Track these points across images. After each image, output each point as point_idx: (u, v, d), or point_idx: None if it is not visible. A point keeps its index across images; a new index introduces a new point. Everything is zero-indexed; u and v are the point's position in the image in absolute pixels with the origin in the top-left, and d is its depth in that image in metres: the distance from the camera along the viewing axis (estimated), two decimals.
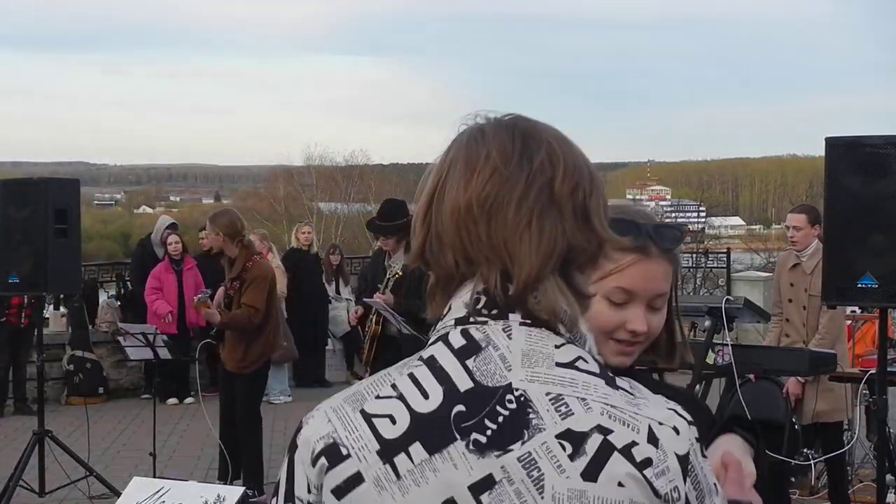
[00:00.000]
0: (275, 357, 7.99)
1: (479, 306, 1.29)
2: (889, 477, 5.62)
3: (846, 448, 7.54)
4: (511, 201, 1.28)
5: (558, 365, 1.26)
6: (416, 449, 1.25)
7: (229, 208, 8.78)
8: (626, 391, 1.27)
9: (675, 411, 1.27)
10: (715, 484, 1.29)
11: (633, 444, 1.22)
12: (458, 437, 1.24)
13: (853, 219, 5.21)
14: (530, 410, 1.23)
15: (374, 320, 7.41)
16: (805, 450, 7.35)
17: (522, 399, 1.24)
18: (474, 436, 1.23)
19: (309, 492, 1.30)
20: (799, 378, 6.37)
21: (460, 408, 1.25)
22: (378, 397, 1.30)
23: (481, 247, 1.28)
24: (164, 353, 8.14)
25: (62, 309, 12.03)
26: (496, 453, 1.22)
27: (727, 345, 4.88)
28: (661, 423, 1.25)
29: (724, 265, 16.27)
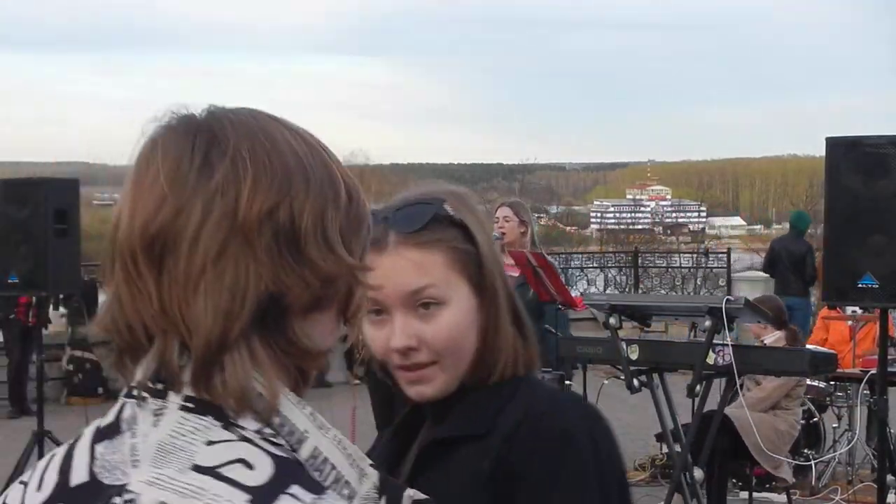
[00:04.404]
0: None
1: (147, 377, 0.97)
2: (889, 477, 5.61)
3: (846, 448, 7.55)
4: (184, 241, 0.93)
5: (195, 469, 0.92)
6: None
7: None
8: None
9: None
10: None
11: None
12: None
13: (853, 219, 5.21)
14: None
15: None
16: (805, 450, 7.37)
17: None
18: None
19: None
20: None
21: None
22: (20, 481, 1.04)
23: (152, 311, 0.94)
24: None
25: (62, 309, 12.04)
26: None
27: (727, 345, 4.88)
28: None
29: (725, 265, 16.28)
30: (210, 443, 0.92)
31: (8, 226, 7.04)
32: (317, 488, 0.92)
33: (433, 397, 1.44)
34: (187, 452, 0.92)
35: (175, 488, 0.91)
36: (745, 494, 6.81)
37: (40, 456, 7.21)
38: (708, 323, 4.83)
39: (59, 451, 1.03)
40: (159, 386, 0.95)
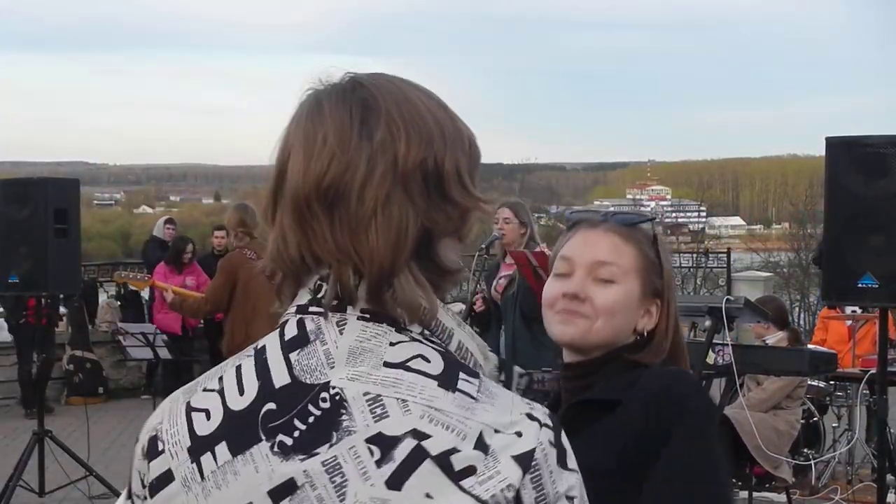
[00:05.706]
0: None
1: (320, 294, 1.19)
2: (889, 477, 5.62)
3: (846, 448, 7.55)
4: (352, 190, 1.16)
5: (386, 365, 1.15)
6: (222, 449, 1.17)
7: (243, 202, 8.18)
8: (467, 395, 1.14)
9: (529, 415, 1.14)
10: (568, 496, 1.14)
11: (454, 451, 1.10)
12: (263, 437, 1.15)
13: (853, 219, 5.21)
14: (343, 412, 1.13)
15: None
16: (805, 449, 7.37)
17: (338, 398, 1.14)
18: (280, 437, 1.14)
19: (143, 486, 1.23)
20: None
21: (270, 406, 1.16)
22: (205, 389, 1.22)
23: (327, 246, 1.17)
24: (164, 353, 8.14)
25: (62, 309, 12.02)
26: (300, 457, 1.13)
27: (727, 345, 4.87)
28: (496, 431, 1.11)
29: (725, 265, 16.26)
30: (392, 344, 1.16)
31: (8, 226, 7.04)
32: (473, 373, 1.17)
33: (572, 340, 1.77)
34: (376, 353, 1.15)
35: (373, 381, 1.13)
36: (745, 494, 6.81)
37: (40, 455, 7.20)
38: (708, 323, 4.82)
39: (244, 364, 1.21)
40: (334, 302, 1.17)
